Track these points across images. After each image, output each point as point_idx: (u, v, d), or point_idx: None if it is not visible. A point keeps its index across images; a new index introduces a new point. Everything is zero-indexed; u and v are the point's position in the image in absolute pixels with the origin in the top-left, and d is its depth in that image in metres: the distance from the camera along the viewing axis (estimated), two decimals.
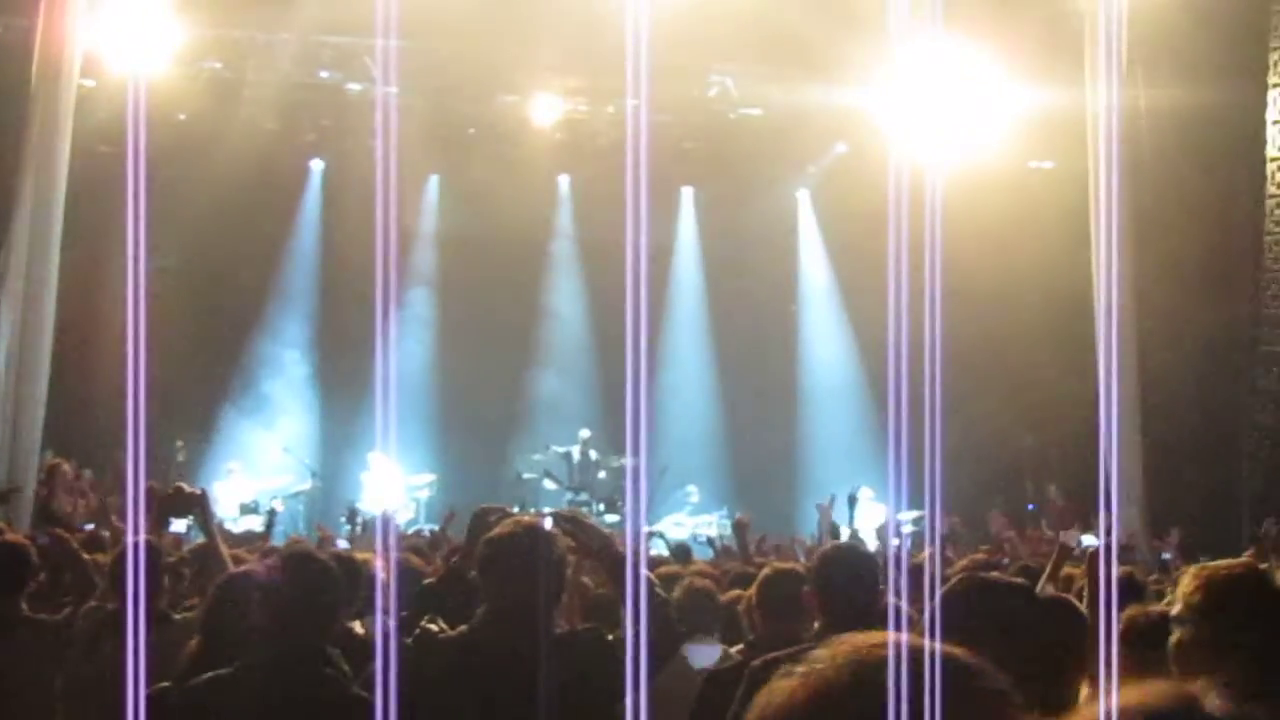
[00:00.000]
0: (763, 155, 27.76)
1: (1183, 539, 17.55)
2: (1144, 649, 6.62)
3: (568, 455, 25.83)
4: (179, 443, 23.53)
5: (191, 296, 24.81)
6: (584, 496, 24.83)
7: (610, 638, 6.19)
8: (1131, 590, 8.60)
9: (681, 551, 15.10)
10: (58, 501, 17.19)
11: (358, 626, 7.83)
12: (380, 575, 8.00)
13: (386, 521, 14.29)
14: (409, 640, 6.16)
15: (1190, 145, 20.98)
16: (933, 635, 4.17)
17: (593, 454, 25.69)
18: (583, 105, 26.35)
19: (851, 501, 15.32)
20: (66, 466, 18.46)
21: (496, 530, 6.32)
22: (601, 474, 25.68)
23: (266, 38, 24.73)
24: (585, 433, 25.93)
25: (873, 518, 22.53)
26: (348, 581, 6.49)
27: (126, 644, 5.06)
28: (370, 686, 5.78)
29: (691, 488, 26.78)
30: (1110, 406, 18.30)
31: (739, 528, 13.76)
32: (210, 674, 5.93)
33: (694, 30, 22.28)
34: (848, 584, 6.74)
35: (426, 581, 8.00)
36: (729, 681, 6.81)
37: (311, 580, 6.06)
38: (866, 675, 2.54)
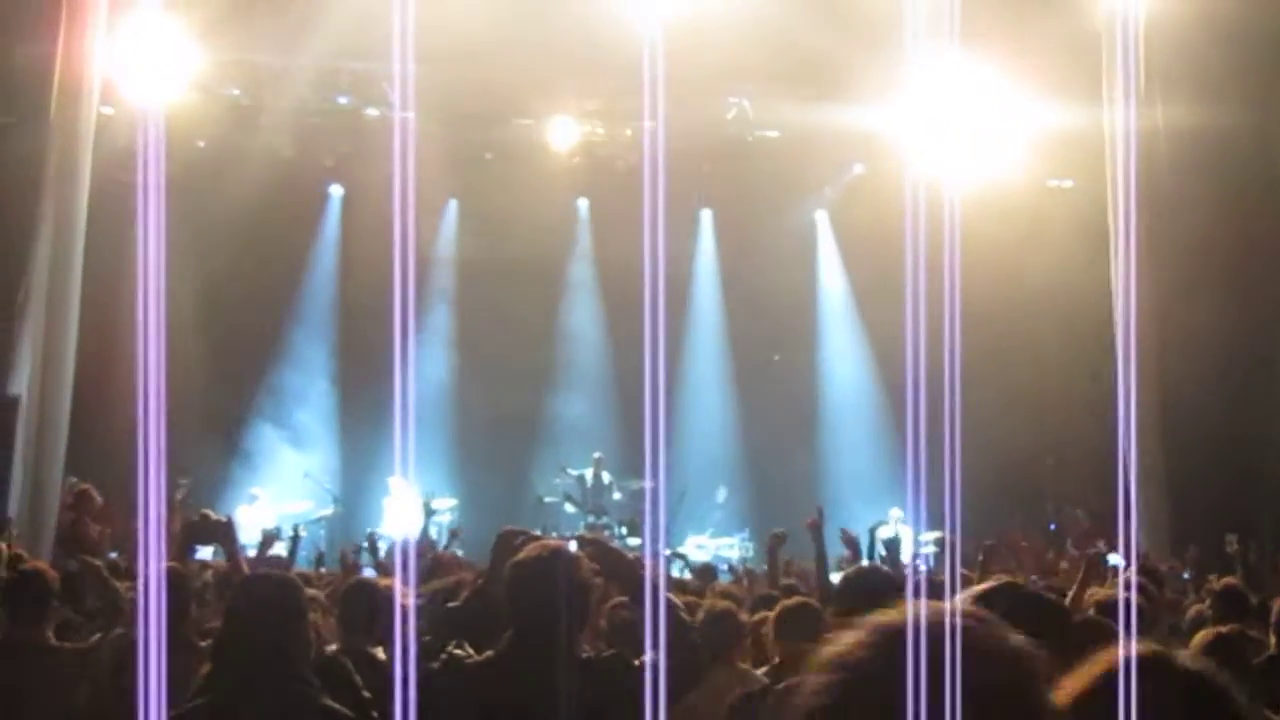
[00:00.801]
0: (780, 177, 27.77)
1: (1200, 557, 17.47)
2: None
3: (581, 478, 25.82)
4: (181, 480, 23.52)
5: (211, 323, 24.83)
6: (604, 520, 24.81)
7: (636, 662, 6.19)
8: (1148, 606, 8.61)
9: (705, 573, 15.08)
10: (85, 528, 17.19)
11: (379, 653, 7.83)
12: (401, 602, 8.03)
13: (406, 547, 14.23)
14: (435, 666, 6.16)
15: (1209, 163, 20.92)
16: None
17: (605, 476, 25.67)
18: (600, 129, 26.39)
19: (873, 535, 15.14)
20: (94, 493, 18.47)
21: (522, 554, 6.32)
22: (616, 495, 25.66)
23: (284, 64, 24.79)
24: (597, 455, 25.91)
25: (900, 539, 22.54)
26: (318, 603, 6.49)
27: (147, 670, 5.08)
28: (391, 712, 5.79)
29: (721, 489, 26.79)
30: (1129, 425, 18.26)
31: (775, 542, 13.63)
32: (201, 700, 5.95)
33: (711, 53, 22.32)
34: (868, 606, 6.70)
35: (451, 605, 7.99)
36: (756, 706, 6.82)
37: (270, 602, 6.06)
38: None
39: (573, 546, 6.58)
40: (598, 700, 5.95)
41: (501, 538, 6.99)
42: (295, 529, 18.72)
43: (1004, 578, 5.87)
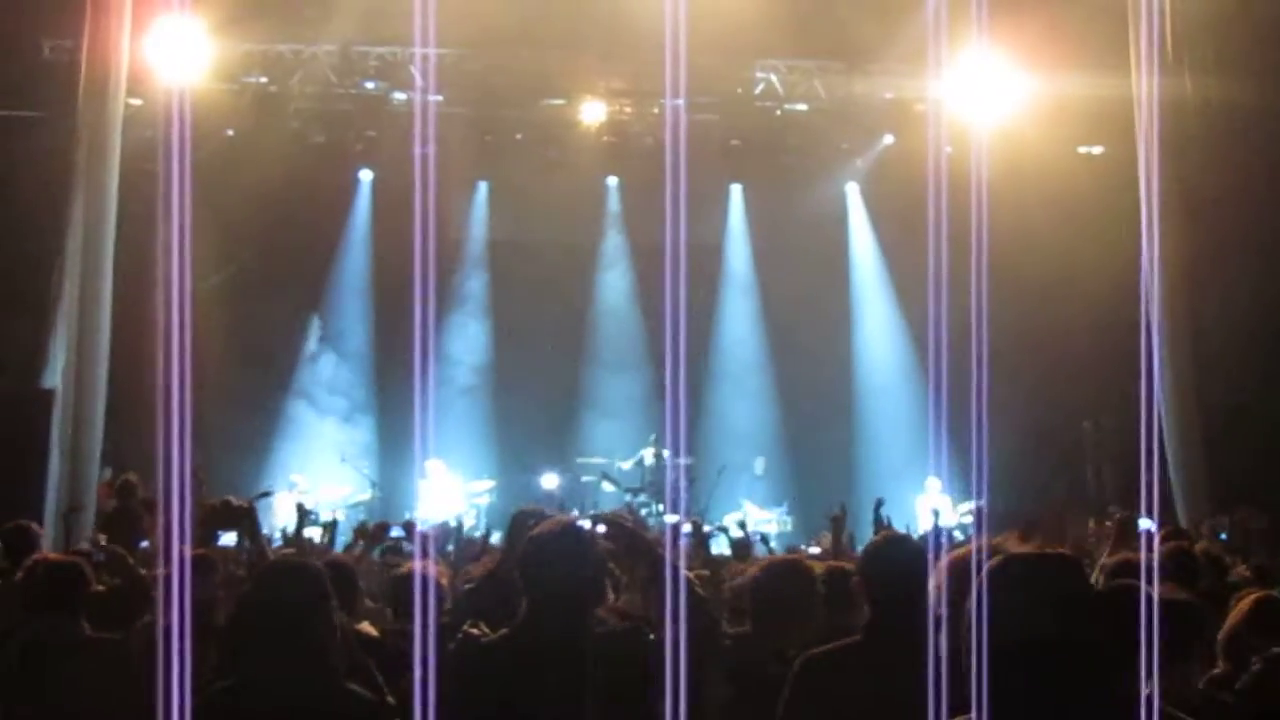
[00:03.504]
0: (810, 150, 27.70)
1: (1243, 518, 17.41)
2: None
3: (640, 459, 25.81)
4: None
5: (244, 310, 24.89)
6: (642, 498, 24.79)
7: (652, 636, 6.20)
8: (1188, 566, 8.62)
9: (742, 548, 15.05)
10: (134, 516, 17.25)
11: (370, 628, 7.86)
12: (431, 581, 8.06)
13: (437, 531, 14.29)
14: (451, 645, 6.18)
15: (1237, 130, 20.85)
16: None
17: (666, 454, 25.60)
18: (629, 106, 26.34)
19: (878, 508, 15.20)
20: (136, 481, 18.53)
21: (536, 529, 6.34)
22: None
23: (310, 50, 24.82)
24: (655, 434, 25.88)
25: (941, 509, 22.55)
26: (340, 585, 6.52)
27: (168, 656, 5.10)
28: (407, 692, 5.82)
29: (759, 460, 26.79)
30: (1153, 389, 18.22)
31: (837, 524, 13.66)
32: (220, 685, 5.98)
33: (737, 28, 22.30)
34: (893, 575, 6.74)
35: (467, 586, 8.02)
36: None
37: (289, 587, 6.08)
38: None
39: (587, 524, 6.59)
40: (613, 673, 5.97)
41: (515, 517, 7.04)
42: (334, 516, 18.79)
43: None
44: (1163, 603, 5.90)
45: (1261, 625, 6.95)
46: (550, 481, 25.17)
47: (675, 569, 6.34)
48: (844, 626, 7.14)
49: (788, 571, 8.01)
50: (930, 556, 5.92)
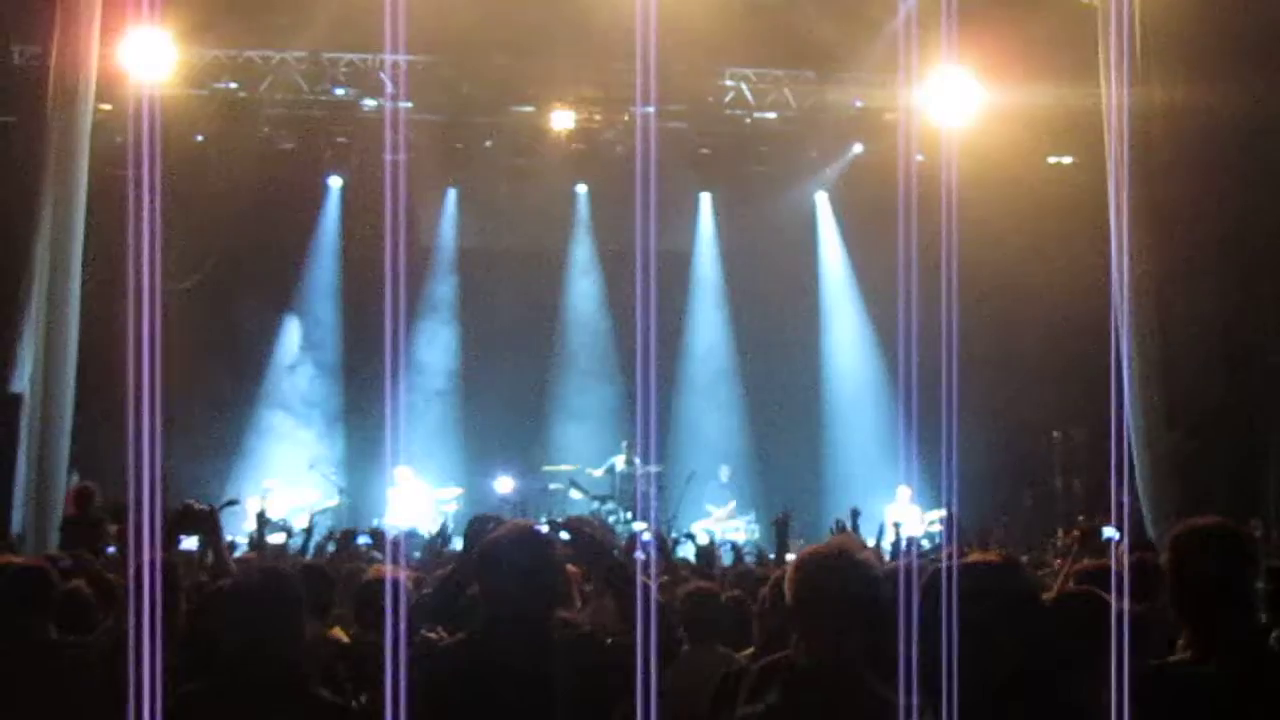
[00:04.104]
0: (779, 158, 27.76)
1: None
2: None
3: (611, 467, 25.79)
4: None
5: (211, 317, 24.82)
6: (610, 506, 24.77)
7: (609, 640, 6.20)
8: (1151, 577, 8.65)
9: (706, 555, 15.08)
10: (95, 524, 17.21)
11: (341, 634, 7.86)
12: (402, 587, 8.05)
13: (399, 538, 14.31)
14: (408, 650, 6.18)
15: (1205, 139, 20.91)
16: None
17: (637, 462, 25.58)
18: (598, 114, 26.35)
19: (855, 518, 15.20)
20: (93, 489, 18.49)
21: (492, 535, 6.34)
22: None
23: (280, 56, 24.81)
24: (626, 442, 25.85)
25: (910, 518, 22.62)
26: (316, 590, 6.53)
27: (140, 661, 5.10)
28: (360, 698, 5.83)
29: (724, 468, 26.77)
30: (1122, 399, 18.27)
31: (780, 525, 13.68)
32: (189, 687, 5.98)
33: (707, 36, 22.36)
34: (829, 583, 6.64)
35: (424, 592, 8.02)
36: (737, 685, 6.81)
37: (265, 591, 6.11)
38: None
39: (545, 529, 6.59)
40: (570, 679, 5.97)
41: (473, 523, 7.01)
42: (310, 521, 18.77)
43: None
44: (1105, 611, 5.96)
45: None
46: (505, 486, 25.15)
47: (635, 577, 6.33)
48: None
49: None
50: (899, 566, 5.84)
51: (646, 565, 7.55)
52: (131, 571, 6.52)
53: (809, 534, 16.60)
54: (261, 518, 13.47)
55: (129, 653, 5.65)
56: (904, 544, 14.96)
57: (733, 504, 25.96)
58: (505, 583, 6.12)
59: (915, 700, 4.45)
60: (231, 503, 10.73)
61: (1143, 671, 5.25)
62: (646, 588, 6.27)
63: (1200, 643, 5.25)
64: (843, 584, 5.72)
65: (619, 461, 25.75)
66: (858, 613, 5.66)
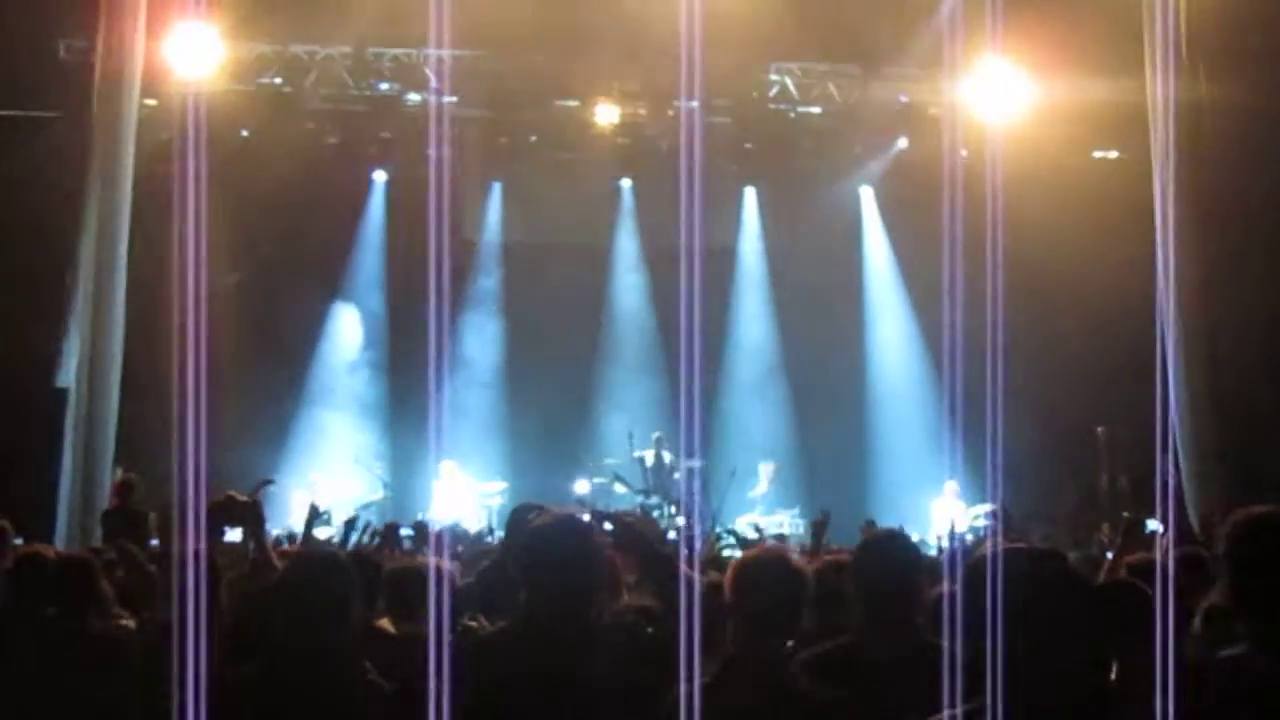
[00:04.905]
0: (824, 153, 27.71)
1: None
2: (1225, 630, 6.66)
3: (641, 459, 25.72)
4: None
5: (257, 311, 24.86)
6: (654, 500, 24.73)
7: (650, 630, 6.20)
8: (1199, 571, 8.60)
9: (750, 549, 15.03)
10: (134, 515, 17.26)
11: (388, 624, 7.86)
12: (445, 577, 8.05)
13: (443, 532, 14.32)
14: (450, 639, 6.20)
15: (1251, 133, 20.81)
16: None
17: (666, 456, 25.55)
18: (643, 109, 26.31)
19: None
20: (135, 481, 18.56)
21: (534, 522, 6.35)
22: (676, 475, 25.57)
23: (325, 51, 24.86)
24: (657, 434, 25.79)
25: (957, 513, 22.55)
26: (364, 579, 6.56)
27: (181, 653, 5.11)
28: (408, 685, 5.84)
29: (766, 465, 26.64)
30: (1168, 392, 18.19)
31: (818, 526, 13.69)
32: (241, 671, 6.02)
33: (752, 30, 22.33)
34: (883, 571, 6.74)
35: (466, 581, 8.02)
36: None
37: (320, 578, 6.14)
38: None
39: (586, 517, 6.59)
40: (610, 668, 5.97)
41: (515, 512, 7.03)
42: (354, 516, 18.80)
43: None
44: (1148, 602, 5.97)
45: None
46: (582, 487, 25.12)
47: (681, 569, 6.36)
48: (835, 625, 7.13)
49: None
50: (948, 563, 5.95)
51: (690, 557, 7.56)
52: (175, 563, 6.55)
53: (848, 531, 16.53)
54: (313, 510, 13.48)
55: (171, 643, 5.67)
56: (955, 539, 14.99)
57: (758, 512, 25.72)
58: (547, 572, 6.12)
59: (959, 686, 4.45)
60: (268, 482, 10.71)
61: (1200, 663, 5.23)
62: (690, 579, 6.28)
63: (1259, 633, 5.21)
64: (771, 583, 6.31)
65: (648, 455, 25.69)
66: (783, 609, 6.32)
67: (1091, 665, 4.38)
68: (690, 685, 5.45)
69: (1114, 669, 5.14)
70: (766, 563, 6.62)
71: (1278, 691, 5.07)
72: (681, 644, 5.68)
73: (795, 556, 7.23)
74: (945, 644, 4.47)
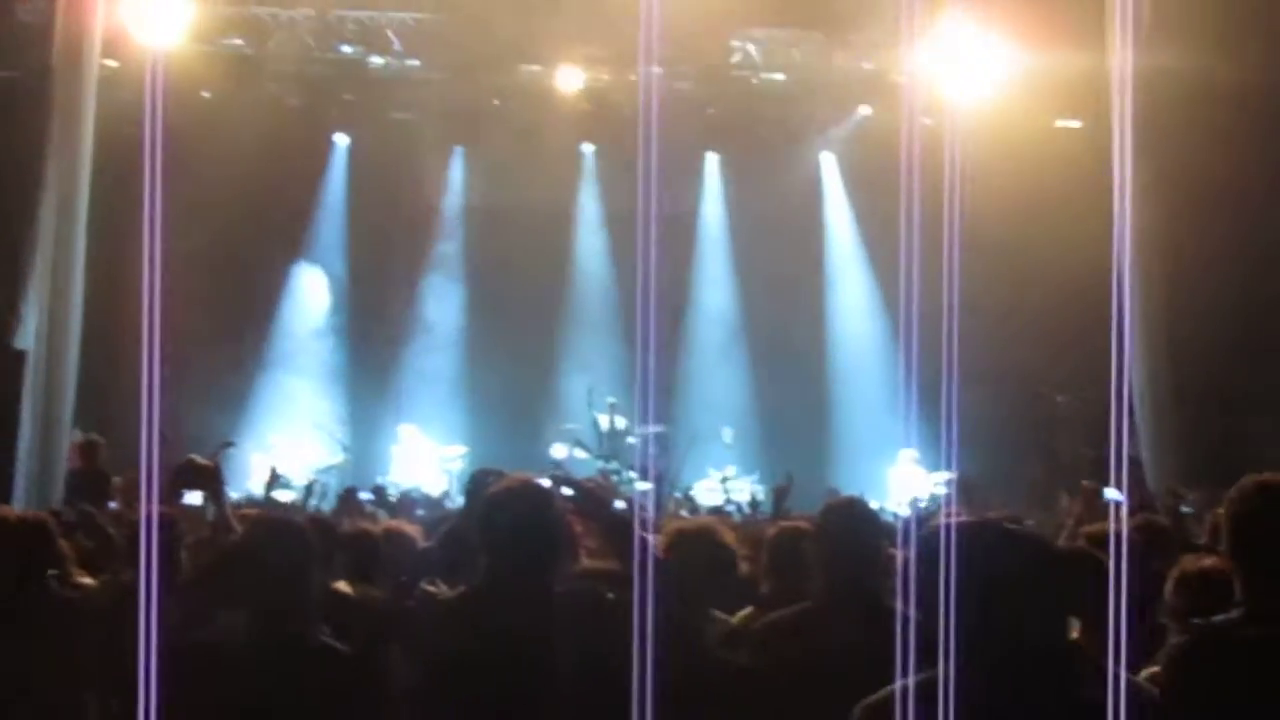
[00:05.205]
0: (786, 120, 27.74)
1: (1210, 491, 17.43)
2: (1196, 598, 6.71)
3: (595, 423, 25.75)
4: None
5: (218, 275, 24.78)
6: (614, 465, 24.77)
7: (610, 596, 6.22)
8: (1157, 539, 8.65)
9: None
10: (96, 477, 17.26)
11: (344, 586, 7.88)
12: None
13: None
14: (410, 603, 6.22)
15: (1214, 101, 20.86)
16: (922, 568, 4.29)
17: (620, 421, 25.61)
18: (606, 74, 26.29)
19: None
20: (100, 443, 18.55)
21: (494, 488, 6.36)
22: (631, 440, 25.64)
23: (288, 14, 24.79)
24: (612, 399, 25.82)
25: (915, 481, 22.63)
26: (322, 543, 6.57)
27: (140, 615, 5.12)
28: (369, 648, 5.87)
29: (727, 430, 26.69)
30: (1124, 363, 18.25)
31: (779, 492, 13.71)
32: (200, 635, 6.03)
33: None
34: (848, 538, 6.80)
35: (425, 545, 8.04)
36: (734, 643, 6.90)
37: (277, 541, 6.16)
38: None
39: (546, 483, 6.61)
40: (570, 633, 6.00)
41: (474, 477, 7.05)
42: (313, 477, 18.79)
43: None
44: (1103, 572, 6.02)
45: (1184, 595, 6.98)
46: (560, 452, 25.15)
47: (640, 533, 6.38)
48: (793, 591, 7.19)
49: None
50: (904, 530, 6.00)
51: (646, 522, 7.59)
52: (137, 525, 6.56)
53: (809, 498, 16.52)
54: (273, 474, 13.50)
55: (131, 605, 5.68)
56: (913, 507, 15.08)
57: (731, 469, 25.86)
58: (506, 536, 6.15)
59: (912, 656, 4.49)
60: (228, 444, 10.72)
61: (1194, 629, 5.26)
62: (645, 543, 6.31)
63: (1255, 603, 5.23)
64: (695, 552, 6.82)
65: (603, 420, 25.73)
66: (714, 579, 6.85)
67: (1049, 634, 4.42)
68: (644, 648, 5.49)
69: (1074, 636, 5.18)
70: (689, 535, 6.95)
71: (1269, 660, 5.11)
72: (635, 609, 5.70)
73: (723, 530, 7.37)
74: (905, 611, 4.49)
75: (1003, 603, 4.26)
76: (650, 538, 6.43)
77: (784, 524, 8.48)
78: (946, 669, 4.20)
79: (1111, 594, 5.32)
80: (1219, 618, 5.32)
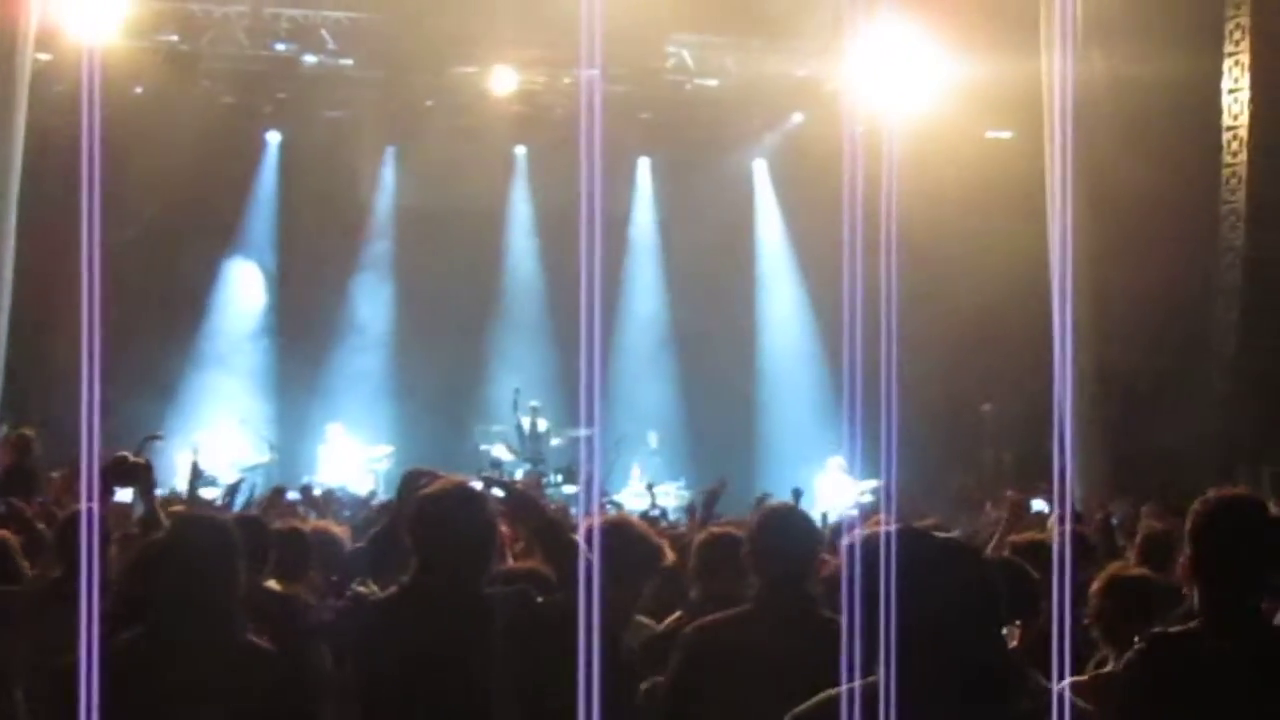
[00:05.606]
0: (719, 125, 27.79)
1: (1135, 502, 17.56)
2: (1124, 603, 6.77)
3: (518, 426, 25.74)
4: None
5: (150, 269, 24.65)
6: (540, 468, 24.77)
7: (540, 599, 6.24)
8: (1084, 550, 8.73)
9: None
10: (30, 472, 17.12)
11: (274, 584, 7.85)
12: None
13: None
14: (339, 603, 6.22)
15: (1147, 114, 21.02)
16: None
17: (541, 424, 25.62)
18: (540, 76, 26.31)
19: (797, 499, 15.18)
20: (32, 436, 18.41)
21: (428, 489, 6.36)
22: (555, 442, 25.63)
23: (222, 10, 24.68)
24: (534, 403, 25.83)
25: (843, 488, 22.65)
26: (249, 541, 6.54)
27: (76, 612, 5.09)
28: (299, 646, 5.84)
29: (652, 434, 26.68)
30: (1065, 372, 18.33)
31: (710, 495, 13.65)
32: (126, 636, 5.99)
33: (650, 1, 22.32)
34: (782, 543, 6.83)
35: (355, 545, 8.02)
36: (664, 647, 6.92)
37: (203, 539, 6.13)
38: None
39: (478, 485, 6.61)
40: (501, 636, 6.01)
41: (406, 477, 7.03)
42: (239, 476, 18.70)
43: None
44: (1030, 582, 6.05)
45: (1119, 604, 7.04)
46: (502, 452, 25.13)
47: (566, 536, 6.41)
48: (723, 595, 7.21)
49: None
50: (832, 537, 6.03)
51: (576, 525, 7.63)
52: (67, 522, 6.52)
53: (737, 504, 16.51)
54: (195, 470, 13.42)
55: (59, 602, 5.65)
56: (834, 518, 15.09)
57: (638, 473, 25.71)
58: (438, 538, 6.15)
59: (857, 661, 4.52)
60: (154, 438, 10.65)
61: (1150, 639, 5.31)
62: (577, 546, 6.32)
63: (1212, 614, 5.29)
64: (623, 548, 6.96)
65: (525, 423, 25.71)
66: (637, 574, 7.11)
67: (981, 643, 4.45)
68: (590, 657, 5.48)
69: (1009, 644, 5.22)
70: (609, 528, 7.03)
71: (1225, 672, 5.16)
72: (580, 613, 5.69)
73: (644, 524, 7.47)
74: (840, 619, 4.51)
75: (934, 611, 4.29)
76: (583, 542, 6.43)
77: (714, 528, 8.48)
78: (886, 676, 4.22)
79: (1055, 603, 5.37)
80: (1176, 629, 5.38)
